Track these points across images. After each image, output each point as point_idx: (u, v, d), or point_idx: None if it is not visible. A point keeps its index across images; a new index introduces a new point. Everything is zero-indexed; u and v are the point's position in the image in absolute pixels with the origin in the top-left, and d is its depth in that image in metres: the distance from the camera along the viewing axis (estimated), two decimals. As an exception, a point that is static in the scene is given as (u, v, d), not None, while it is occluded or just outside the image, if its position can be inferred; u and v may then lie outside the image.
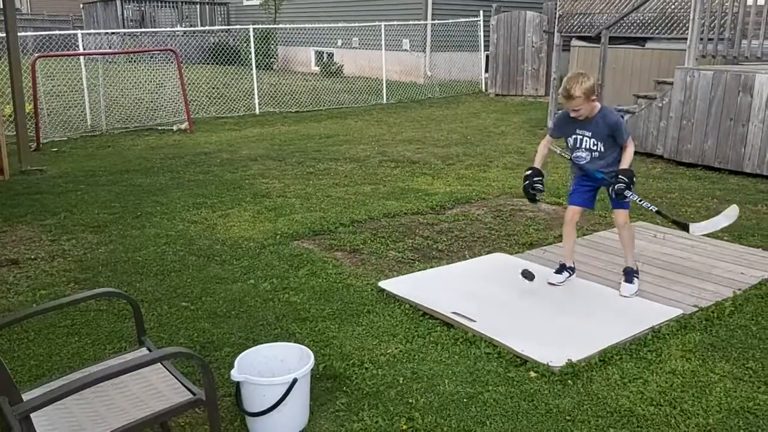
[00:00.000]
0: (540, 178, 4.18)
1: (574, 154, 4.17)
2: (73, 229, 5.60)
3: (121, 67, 16.07)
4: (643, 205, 4.27)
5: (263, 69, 16.58)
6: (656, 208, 4.31)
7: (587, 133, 4.07)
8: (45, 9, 31.27)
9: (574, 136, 4.13)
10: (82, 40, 11.73)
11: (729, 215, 4.38)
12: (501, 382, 3.22)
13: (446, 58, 16.95)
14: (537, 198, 4.28)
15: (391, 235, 5.41)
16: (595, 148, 4.09)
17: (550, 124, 4.00)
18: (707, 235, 5.39)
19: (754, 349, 3.54)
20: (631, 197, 4.08)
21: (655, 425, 2.89)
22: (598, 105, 3.99)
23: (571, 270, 4.41)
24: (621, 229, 4.31)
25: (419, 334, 3.70)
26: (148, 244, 5.21)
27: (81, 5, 26.40)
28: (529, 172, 4.21)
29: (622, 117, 4.06)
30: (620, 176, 3.98)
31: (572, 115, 3.98)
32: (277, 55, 20.17)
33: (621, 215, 4.25)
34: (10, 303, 4.15)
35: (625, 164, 4.05)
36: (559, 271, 4.38)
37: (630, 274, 4.26)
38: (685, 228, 4.31)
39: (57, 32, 12.96)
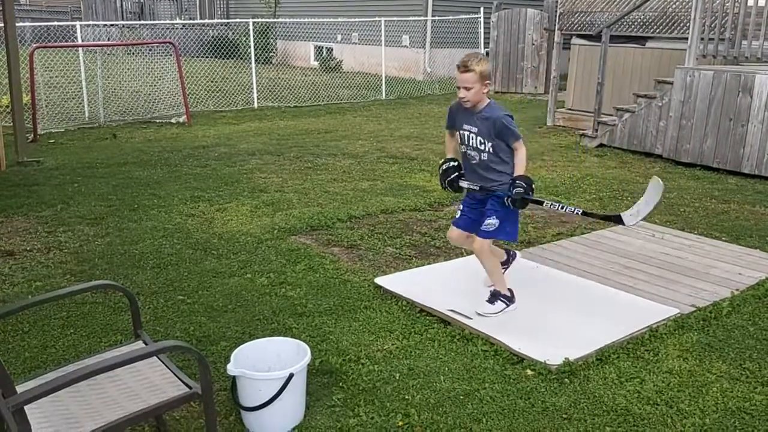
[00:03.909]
0: (460, 170, 3.79)
1: (466, 152, 3.72)
2: (69, 221, 5.57)
3: (119, 59, 16.01)
4: (564, 210, 3.77)
5: (262, 63, 16.54)
6: (581, 210, 3.76)
7: (473, 129, 3.62)
8: (43, 0, 31.15)
9: (462, 132, 3.70)
10: (81, 32, 11.68)
11: (656, 188, 3.57)
12: (497, 379, 3.21)
13: (446, 54, 16.91)
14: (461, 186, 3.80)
15: (388, 231, 5.40)
16: (482, 148, 3.61)
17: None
18: (704, 235, 5.40)
19: (751, 349, 3.54)
20: (540, 202, 3.66)
21: (651, 424, 2.88)
22: (487, 99, 3.60)
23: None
24: (478, 256, 3.81)
25: (416, 330, 3.69)
26: (145, 237, 5.19)
27: (80, -4, 26.32)
28: (445, 165, 3.80)
29: (510, 116, 3.60)
30: (517, 181, 3.53)
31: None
32: (276, 50, 20.11)
33: (477, 243, 3.75)
34: (5, 294, 4.13)
35: (520, 170, 3.58)
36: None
37: (495, 295, 3.83)
38: (618, 221, 3.62)
39: (55, 23, 12.89)
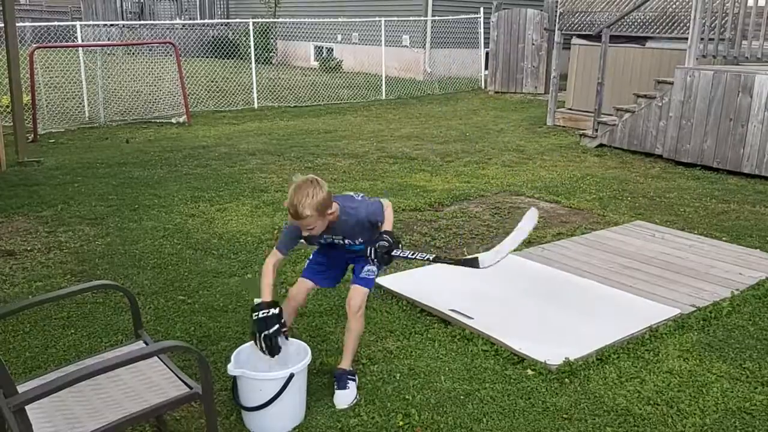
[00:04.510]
0: (282, 321, 2.91)
1: (334, 243, 3.22)
2: (69, 221, 5.58)
3: (119, 59, 16.01)
4: (419, 257, 3.32)
5: (262, 63, 16.54)
6: (433, 256, 3.36)
7: (337, 237, 3.18)
8: (43, 0, 31.14)
9: (323, 241, 3.22)
10: (81, 32, 11.68)
11: (522, 228, 3.34)
12: (498, 379, 3.22)
13: (446, 54, 16.92)
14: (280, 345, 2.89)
15: (389, 231, 5.40)
16: (354, 242, 3.19)
17: (282, 242, 3.12)
18: (705, 235, 5.41)
19: (752, 349, 3.54)
20: (402, 255, 3.18)
21: (651, 424, 2.89)
22: (336, 207, 3.03)
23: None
24: (352, 315, 3.13)
25: (416, 330, 3.70)
26: (146, 237, 5.19)
27: (80, -4, 26.31)
28: (263, 314, 2.87)
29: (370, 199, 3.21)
30: (384, 235, 3.08)
31: (305, 234, 3.04)
32: (276, 50, 20.11)
33: (358, 294, 3.14)
34: (5, 294, 4.14)
35: (387, 225, 3.14)
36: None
37: (343, 378, 3.08)
38: (473, 263, 3.28)
39: (56, 23, 12.89)
